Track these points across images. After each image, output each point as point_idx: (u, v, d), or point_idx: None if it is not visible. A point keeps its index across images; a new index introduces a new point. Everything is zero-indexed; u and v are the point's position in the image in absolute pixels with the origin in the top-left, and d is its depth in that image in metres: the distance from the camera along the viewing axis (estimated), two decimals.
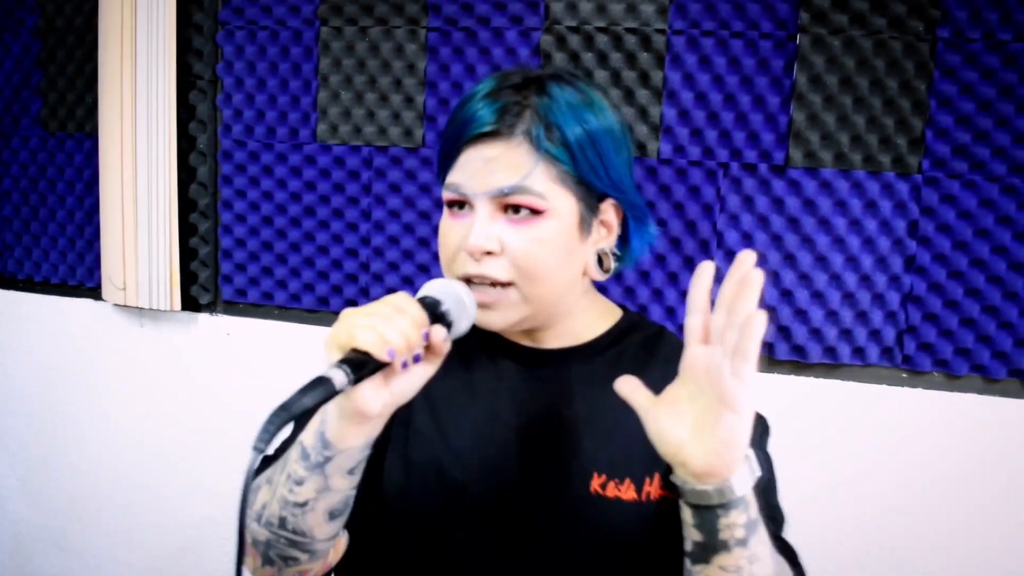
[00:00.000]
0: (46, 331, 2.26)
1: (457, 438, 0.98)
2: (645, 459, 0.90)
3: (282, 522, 0.86)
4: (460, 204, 0.92)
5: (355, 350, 0.76)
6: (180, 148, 2.03)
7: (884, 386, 1.70)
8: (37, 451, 2.32)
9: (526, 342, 1.00)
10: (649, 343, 1.01)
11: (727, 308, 0.73)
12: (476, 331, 0.98)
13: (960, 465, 1.67)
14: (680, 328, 1.72)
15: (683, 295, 1.78)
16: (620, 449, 0.93)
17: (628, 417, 0.88)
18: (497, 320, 0.92)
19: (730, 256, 1.73)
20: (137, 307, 2.08)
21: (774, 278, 1.72)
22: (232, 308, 2.10)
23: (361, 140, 1.94)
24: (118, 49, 2.00)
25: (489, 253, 0.89)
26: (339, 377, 0.73)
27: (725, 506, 0.75)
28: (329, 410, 0.81)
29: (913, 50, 1.60)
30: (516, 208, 0.88)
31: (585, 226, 0.93)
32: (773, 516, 0.92)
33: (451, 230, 0.93)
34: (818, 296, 1.70)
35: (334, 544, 0.92)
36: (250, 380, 2.07)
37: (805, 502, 1.70)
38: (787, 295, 1.71)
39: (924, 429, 1.68)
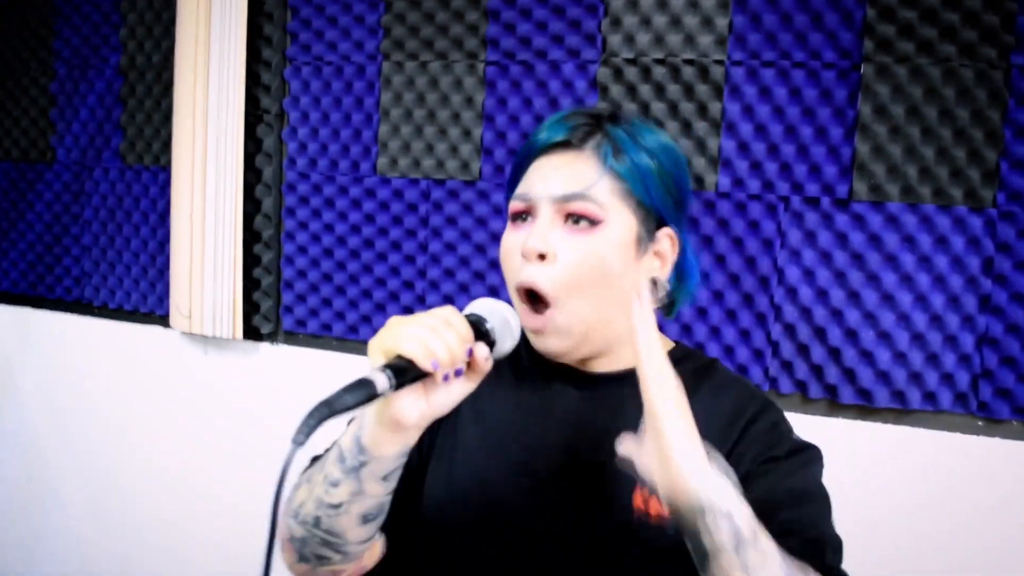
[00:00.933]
0: (118, 356, 2.33)
1: (503, 455, 0.99)
2: None
3: (316, 521, 0.88)
4: (523, 216, 0.95)
5: (399, 357, 0.77)
6: (247, 180, 2.09)
7: (958, 435, 1.59)
8: (105, 472, 2.38)
9: (579, 365, 1.01)
10: (699, 373, 1.01)
11: None
12: (530, 351, 1.02)
13: None
14: (739, 368, 1.66)
15: (742, 334, 1.72)
16: None
17: None
18: (554, 344, 0.94)
19: (791, 294, 1.66)
20: (202, 335, 2.13)
21: (838, 317, 1.64)
22: (292, 338, 2.13)
23: (420, 173, 1.96)
24: (191, 85, 2.08)
25: (543, 257, 0.91)
26: (381, 381, 0.75)
27: (694, 513, 0.76)
28: (366, 415, 0.84)
29: (985, 78, 1.52)
30: (576, 219, 0.91)
31: (641, 247, 0.95)
32: (817, 540, 0.89)
33: (511, 238, 0.96)
34: (885, 337, 1.61)
35: (368, 547, 0.93)
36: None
37: (871, 556, 1.60)
38: (852, 335, 1.63)
39: (1002, 483, 1.56)
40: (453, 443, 1.01)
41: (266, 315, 2.13)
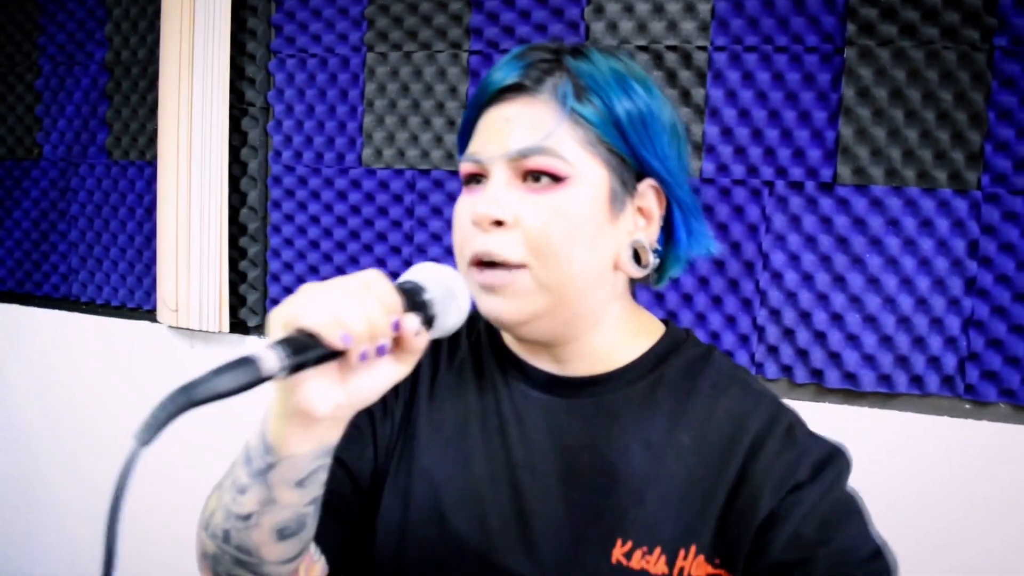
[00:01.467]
0: (106, 352, 2.32)
1: (464, 481, 0.84)
2: (681, 524, 0.77)
3: (226, 535, 0.73)
4: (477, 178, 0.80)
5: (301, 330, 0.61)
6: (232, 173, 2.08)
7: (945, 418, 1.59)
8: (94, 468, 2.37)
9: (547, 365, 0.85)
10: (693, 367, 0.84)
11: None
12: (494, 352, 0.89)
13: None
14: (727, 352, 1.65)
15: (728, 320, 1.71)
16: (652, 509, 0.78)
17: (663, 467, 0.78)
18: (507, 310, 0.78)
19: (777, 278, 1.66)
20: (188, 329, 2.12)
21: (823, 301, 1.63)
22: None
23: (404, 164, 1.95)
24: (176, 79, 2.07)
25: (499, 224, 0.76)
26: (270, 360, 0.58)
27: None
28: (270, 406, 0.68)
29: (968, 60, 1.51)
30: (537, 176, 0.77)
31: (617, 204, 0.79)
32: (864, 562, 0.77)
33: (463, 204, 0.81)
34: (871, 320, 1.60)
35: (295, 568, 0.77)
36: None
37: None
38: (837, 319, 1.62)
39: (989, 465, 1.55)
40: (409, 462, 0.86)
41: (253, 308, 2.12)
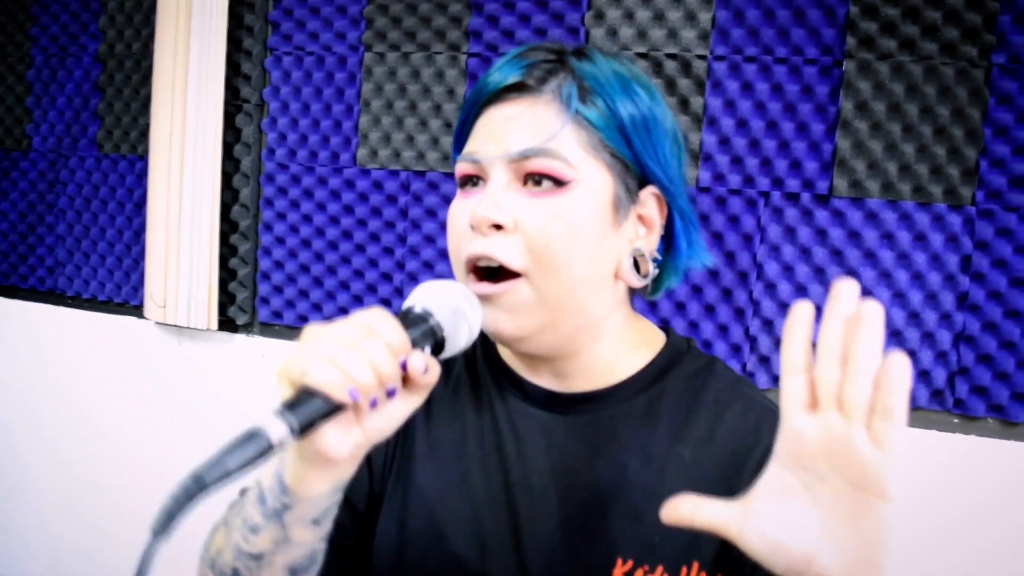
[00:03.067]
0: (91, 347, 2.29)
1: (461, 501, 0.82)
2: (683, 541, 0.74)
3: (235, 573, 0.73)
4: (474, 180, 0.77)
5: (306, 389, 0.60)
6: (225, 170, 2.06)
7: (934, 432, 1.59)
8: (76, 464, 2.34)
9: (546, 381, 0.83)
10: (694, 381, 0.82)
11: (838, 358, 0.55)
12: (490, 367, 0.86)
13: (1018, 520, 1.54)
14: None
15: (720, 329, 1.71)
16: (652, 526, 0.74)
17: (663, 483, 0.76)
18: (508, 324, 0.75)
19: (770, 289, 1.66)
20: (176, 325, 2.10)
21: (816, 313, 1.63)
22: (268, 330, 2.11)
23: (400, 165, 1.94)
24: (171, 73, 2.05)
25: (499, 227, 0.73)
26: (277, 429, 0.57)
27: None
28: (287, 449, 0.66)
29: (966, 76, 1.52)
30: (538, 180, 0.74)
31: (620, 211, 0.76)
32: None
33: (459, 209, 0.77)
34: None
35: None
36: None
37: None
38: None
39: (977, 480, 1.56)
40: (406, 483, 0.83)
41: (242, 306, 2.11)
